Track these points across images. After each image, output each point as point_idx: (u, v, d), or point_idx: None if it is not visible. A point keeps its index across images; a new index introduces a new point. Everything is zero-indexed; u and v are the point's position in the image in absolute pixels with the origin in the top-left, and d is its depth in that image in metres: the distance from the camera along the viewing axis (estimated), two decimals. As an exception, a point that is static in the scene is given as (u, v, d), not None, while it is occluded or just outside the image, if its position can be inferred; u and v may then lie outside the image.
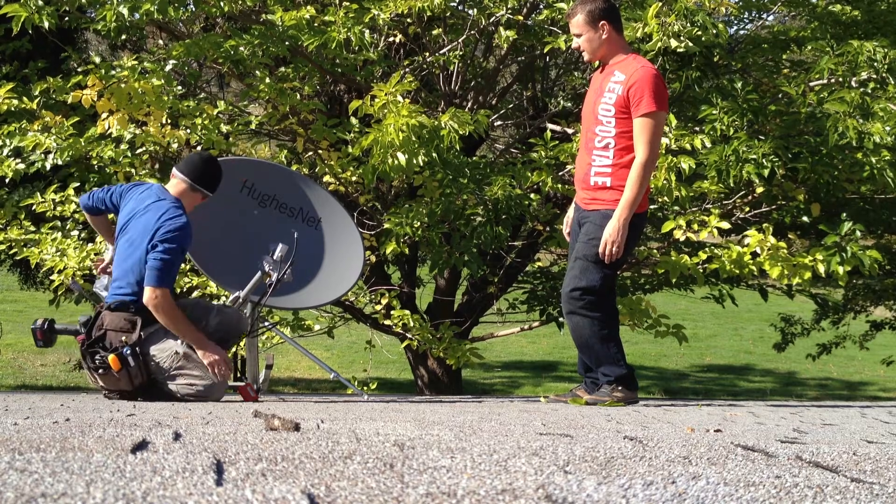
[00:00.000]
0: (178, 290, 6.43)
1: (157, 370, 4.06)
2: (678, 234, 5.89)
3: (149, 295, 3.99)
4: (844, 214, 5.73)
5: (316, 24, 5.93)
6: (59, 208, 6.37)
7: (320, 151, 6.45)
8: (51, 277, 6.24)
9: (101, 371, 4.02)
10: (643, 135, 3.89)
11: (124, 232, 4.19)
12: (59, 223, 6.48)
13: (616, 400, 4.04)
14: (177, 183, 4.26)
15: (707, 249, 6.10)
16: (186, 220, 4.11)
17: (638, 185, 3.90)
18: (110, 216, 4.47)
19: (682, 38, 5.37)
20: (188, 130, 6.02)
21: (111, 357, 3.97)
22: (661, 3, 5.44)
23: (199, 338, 4.09)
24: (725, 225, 5.83)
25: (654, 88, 3.89)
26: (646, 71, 3.92)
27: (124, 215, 4.23)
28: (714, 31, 5.50)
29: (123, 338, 4.04)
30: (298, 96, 6.38)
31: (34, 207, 6.42)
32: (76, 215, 6.42)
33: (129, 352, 3.99)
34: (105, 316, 4.09)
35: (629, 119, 3.93)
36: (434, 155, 5.26)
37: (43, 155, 6.07)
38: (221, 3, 5.96)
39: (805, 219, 6.30)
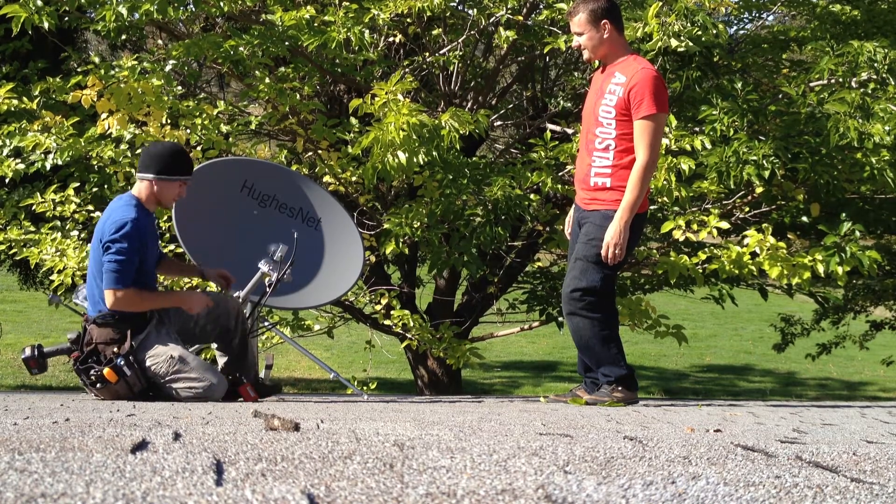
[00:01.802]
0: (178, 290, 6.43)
1: (154, 377, 4.06)
2: (678, 235, 5.88)
3: (110, 299, 3.99)
4: (844, 215, 5.73)
5: (316, 24, 5.92)
6: (59, 208, 6.37)
7: (320, 151, 6.45)
8: (51, 277, 6.24)
9: (98, 385, 4.02)
10: (644, 137, 3.89)
11: (92, 245, 4.20)
12: (58, 223, 6.48)
13: (616, 400, 4.03)
14: (139, 183, 4.18)
15: (707, 250, 6.10)
16: (131, 214, 4.03)
17: (639, 188, 3.89)
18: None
19: (682, 37, 5.37)
20: (188, 130, 6.02)
21: (106, 370, 3.96)
22: (661, 3, 5.44)
23: (175, 299, 4.23)
24: (725, 225, 5.83)
25: (655, 90, 3.88)
26: (646, 73, 3.90)
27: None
28: (714, 32, 5.50)
29: (115, 348, 4.03)
30: (298, 96, 6.38)
31: (34, 207, 6.42)
32: (76, 215, 6.42)
33: (123, 362, 3.98)
34: (93, 330, 4.09)
35: (630, 121, 3.91)
36: (434, 154, 5.26)
37: (43, 155, 6.07)
38: (221, 3, 5.95)
39: (805, 219, 6.30)
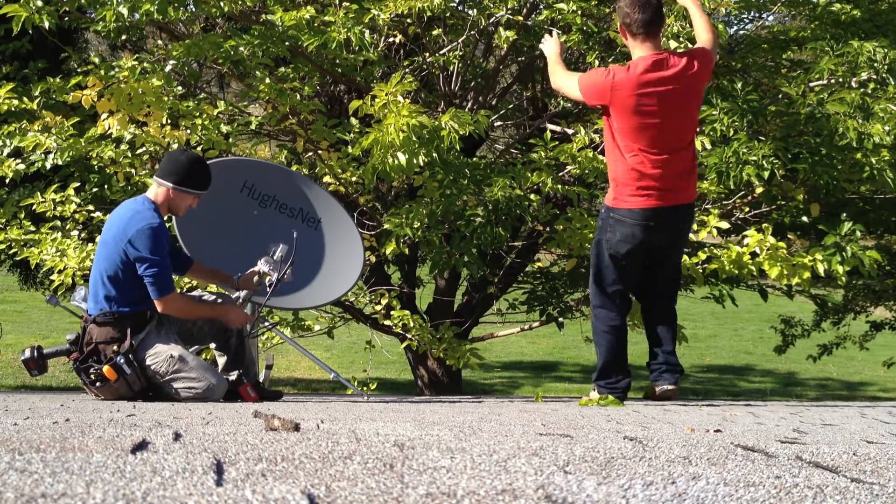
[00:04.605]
0: (178, 290, 6.43)
1: (154, 376, 4.07)
2: (678, 234, 5.88)
3: (161, 307, 4.10)
4: (844, 215, 5.72)
5: (316, 25, 5.92)
6: (59, 208, 6.37)
7: (320, 152, 6.45)
8: (51, 277, 6.24)
9: (98, 384, 4.02)
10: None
11: (102, 243, 4.20)
12: (59, 223, 6.48)
13: (594, 398, 4.25)
14: (157, 188, 4.22)
15: (706, 249, 6.10)
16: (157, 220, 4.08)
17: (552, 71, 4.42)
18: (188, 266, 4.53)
19: (681, 38, 5.37)
20: (188, 131, 6.02)
21: (106, 368, 3.98)
22: (660, 4, 5.44)
23: (216, 311, 4.29)
24: (725, 225, 5.83)
25: (585, 77, 4.23)
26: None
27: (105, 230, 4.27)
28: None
29: (115, 347, 4.04)
30: (298, 97, 6.38)
31: (34, 207, 6.42)
32: (76, 215, 6.42)
33: (122, 360, 4.00)
34: (92, 330, 4.10)
35: (607, 118, 4.17)
36: (434, 155, 5.26)
37: (43, 155, 6.07)
38: (221, 4, 5.95)
39: (805, 219, 6.29)
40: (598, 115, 6.78)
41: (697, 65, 4.13)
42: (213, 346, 4.48)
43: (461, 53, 6.88)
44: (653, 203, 4.12)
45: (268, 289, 4.43)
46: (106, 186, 6.51)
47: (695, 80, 4.12)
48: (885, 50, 5.54)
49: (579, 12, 6.01)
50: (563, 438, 1.94)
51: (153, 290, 4.05)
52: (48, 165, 6.04)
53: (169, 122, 6.09)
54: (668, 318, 4.42)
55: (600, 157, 5.98)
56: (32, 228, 6.43)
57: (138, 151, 6.11)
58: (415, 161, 5.14)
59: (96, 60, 6.31)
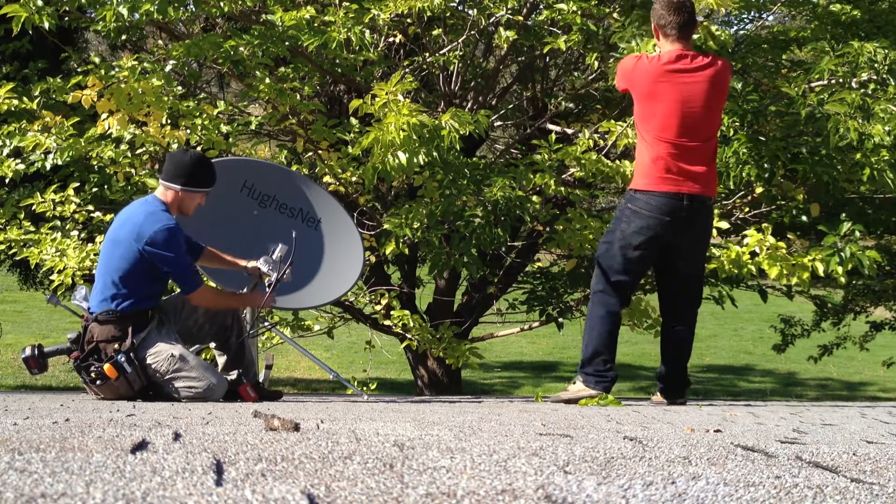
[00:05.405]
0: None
1: (154, 375, 4.08)
2: (678, 235, 5.87)
3: (192, 301, 4.24)
4: (844, 215, 5.72)
5: (316, 25, 5.92)
6: (58, 208, 6.37)
7: (320, 152, 6.45)
8: (51, 277, 6.24)
9: (98, 382, 4.02)
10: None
11: (113, 242, 4.20)
12: (58, 223, 6.47)
13: (573, 394, 4.31)
14: (165, 190, 4.23)
15: (706, 249, 6.09)
16: (172, 221, 4.13)
17: None
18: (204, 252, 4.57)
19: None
20: (188, 131, 6.02)
21: (107, 366, 3.99)
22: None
23: (243, 299, 4.49)
24: (725, 225, 5.83)
25: (619, 68, 4.41)
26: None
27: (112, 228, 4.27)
28: (717, 31, 5.48)
29: (116, 345, 4.05)
30: (298, 97, 6.38)
31: (34, 207, 6.41)
32: (76, 215, 6.42)
33: (123, 358, 4.00)
34: (94, 328, 4.10)
35: (637, 105, 4.28)
36: (434, 155, 5.26)
37: (43, 155, 6.06)
38: (221, 4, 5.95)
39: (804, 219, 6.29)
40: (598, 116, 6.79)
41: (721, 63, 4.28)
42: (213, 345, 4.49)
43: (461, 53, 6.88)
44: (668, 187, 4.20)
45: (267, 289, 4.43)
46: (106, 186, 6.51)
47: (717, 77, 4.24)
48: (886, 50, 5.54)
49: (579, 12, 6.01)
50: (563, 438, 1.94)
51: (183, 287, 4.17)
52: (48, 165, 6.03)
53: (169, 122, 6.09)
54: (687, 335, 4.57)
55: (605, 159, 5.99)
56: (32, 228, 6.42)
57: (138, 151, 6.11)
58: (415, 160, 5.13)
59: (96, 60, 6.31)
